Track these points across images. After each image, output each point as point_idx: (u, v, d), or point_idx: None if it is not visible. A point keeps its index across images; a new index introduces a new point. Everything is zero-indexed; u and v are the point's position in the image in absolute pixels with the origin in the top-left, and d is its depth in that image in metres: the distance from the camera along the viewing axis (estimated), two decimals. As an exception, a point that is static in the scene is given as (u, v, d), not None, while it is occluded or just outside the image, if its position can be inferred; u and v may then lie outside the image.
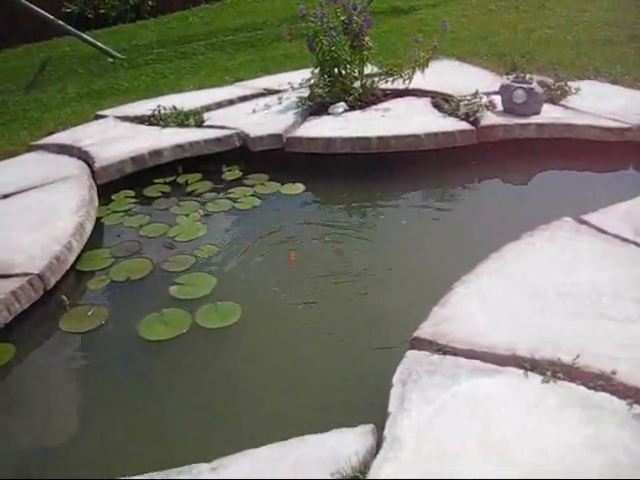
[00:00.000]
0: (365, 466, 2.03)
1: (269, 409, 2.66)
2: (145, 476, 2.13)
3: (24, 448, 2.62)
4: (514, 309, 2.65)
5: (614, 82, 5.57)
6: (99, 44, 8.32)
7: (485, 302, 2.71)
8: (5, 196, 4.19)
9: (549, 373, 2.27)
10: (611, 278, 2.80)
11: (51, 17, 8.22)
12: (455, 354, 2.42)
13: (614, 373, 2.22)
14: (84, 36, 8.37)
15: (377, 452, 2.07)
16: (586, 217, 3.30)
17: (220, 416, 2.68)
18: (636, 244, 3.03)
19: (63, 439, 2.67)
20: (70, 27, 8.33)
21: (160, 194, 4.58)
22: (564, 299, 2.68)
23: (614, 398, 2.16)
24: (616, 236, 3.12)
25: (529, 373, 2.29)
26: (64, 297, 3.36)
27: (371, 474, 1.97)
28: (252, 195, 4.48)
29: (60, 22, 8.32)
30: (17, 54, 9.25)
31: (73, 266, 3.60)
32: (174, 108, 5.42)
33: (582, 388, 2.21)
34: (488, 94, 5.11)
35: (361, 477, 1.98)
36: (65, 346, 3.18)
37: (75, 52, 8.71)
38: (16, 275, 3.24)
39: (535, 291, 2.75)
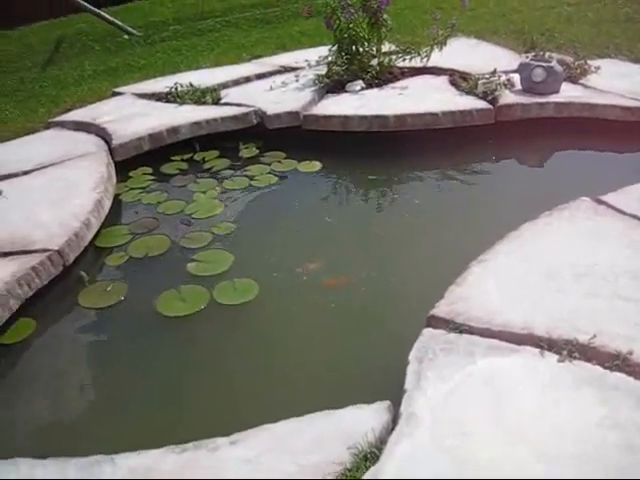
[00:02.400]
0: (381, 441, 2.06)
1: (286, 385, 2.69)
2: (163, 449, 2.16)
3: (42, 420, 2.66)
4: (531, 288, 2.66)
5: (635, 61, 5.50)
6: (115, 21, 8.31)
7: (502, 281, 2.71)
8: (25, 173, 4.22)
9: (565, 352, 2.28)
10: (628, 259, 2.79)
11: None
12: (471, 333, 2.43)
13: (630, 353, 2.23)
14: (100, 12, 8.35)
15: (393, 428, 2.09)
16: (604, 197, 3.28)
17: (237, 392, 2.71)
18: (654, 225, 3.02)
19: (80, 411, 2.71)
20: (86, 3, 8.32)
21: (177, 171, 4.59)
22: (581, 279, 2.68)
23: (630, 378, 2.16)
24: (634, 217, 3.10)
25: (545, 352, 2.30)
26: (83, 273, 3.39)
27: (387, 449, 2.00)
28: (269, 173, 4.48)
29: (76, -2, 8.32)
30: (32, 31, 9.24)
31: (92, 242, 3.64)
32: (191, 85, 5.42)
33: (598, 368, 2.22)
34: (507, 72, 5.06)
35: (377, 452, 2.01)
36: (84, 321, 3.22)
37: (91, 29, 8.71)
38: (36, 251, 3.28)
39: (552, 271, 2.75)
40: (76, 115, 5.27)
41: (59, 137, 4.88)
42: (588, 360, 2.25)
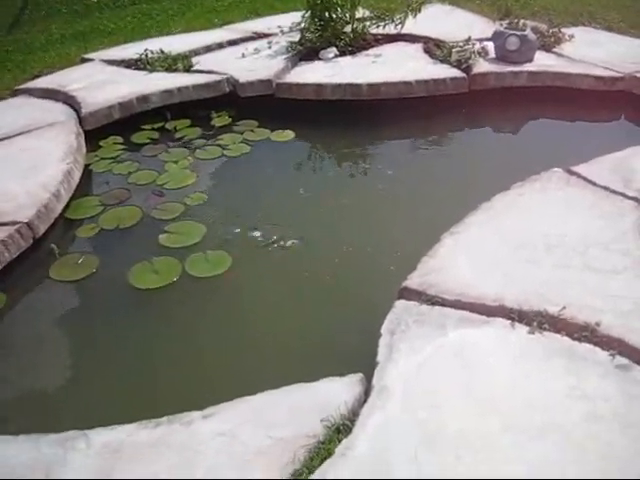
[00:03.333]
0: (354, 414, 2.08)
1: (258, 358, 2.69)
2: (136, 424, 2.16)
3: (13, 393, 2.65)
4: (502, 260, 2.67)
5: (609, 29, 5.52)
6: (83, -17, 8.09)
7: (474, 253, 2.73)
8: (-9, 142, 4.13)
9: (535, 324, 2.31)
10: (599, 230, 2.82)
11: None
12: (443, 304, 2.45)
13: (598, 325, 2.26)
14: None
15: (365, 400, 2.11)
16: (576, 168, 3.31)
17: (210, 364, 2.71)
18: (625, 196, 3.05)
19: (51, 384, 2.69)
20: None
21: (149, 140, 4.52)
22: (552, 250, 2.71)
23: (598, 349, 2.20)
24: (605, 187, 3.13)
25: (516, 324, 2.33)
26: (54, 246, 3.35)
27: (359, 422, 2.02)
28: (242, 142, 4.44)
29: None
30: (-3, -8, 8.97)
31: (62, 214, 3.58)
32: (161, 52, 5.32)
33: (567, 339, 2.25)
34: (481, 40, 5.05)
35: (350, 425, 2.03)
36: (56, 294, 3.18)
37: (58, -10, 8.47)
38: (4, 224, 3.22)
39: (523, 242, 2.77)
40: (44, 82, 5.15)
41: (27, 105, 4.76)
42: (558, 331, 2.28)
